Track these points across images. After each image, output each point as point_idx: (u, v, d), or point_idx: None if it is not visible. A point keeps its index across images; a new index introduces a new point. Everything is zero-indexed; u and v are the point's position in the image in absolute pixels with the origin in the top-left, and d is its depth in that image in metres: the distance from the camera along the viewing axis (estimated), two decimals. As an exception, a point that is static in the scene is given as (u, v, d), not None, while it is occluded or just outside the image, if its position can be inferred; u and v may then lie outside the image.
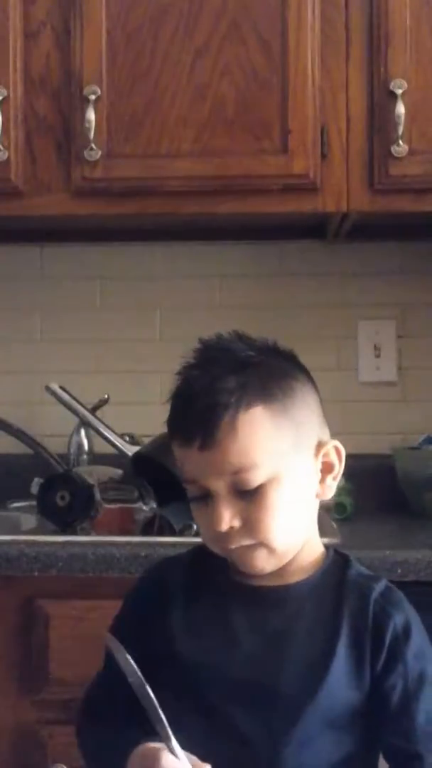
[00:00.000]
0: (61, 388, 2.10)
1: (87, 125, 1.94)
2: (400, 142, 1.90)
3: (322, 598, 1.15)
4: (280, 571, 1.16)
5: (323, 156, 1.94)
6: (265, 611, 1.15)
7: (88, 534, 1.86)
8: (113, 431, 2.09)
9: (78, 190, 1.98)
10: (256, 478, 1.09)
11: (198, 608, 1.18)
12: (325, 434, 1.19)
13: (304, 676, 1.11)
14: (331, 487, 1.18)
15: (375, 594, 1.14)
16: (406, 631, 1.13)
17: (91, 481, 1.94)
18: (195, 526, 1.81)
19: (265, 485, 1.10)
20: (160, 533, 1.81)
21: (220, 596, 1.17)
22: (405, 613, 1.15)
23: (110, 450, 2.09)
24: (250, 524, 1.10)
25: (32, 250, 2.38)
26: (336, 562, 1.19)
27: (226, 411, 1.08)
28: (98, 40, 1.97)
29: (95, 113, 1.94)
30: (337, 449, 1.18)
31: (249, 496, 1.10)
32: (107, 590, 1.62)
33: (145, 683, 1.04)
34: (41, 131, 2.00)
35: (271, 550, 1.12)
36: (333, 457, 1.17)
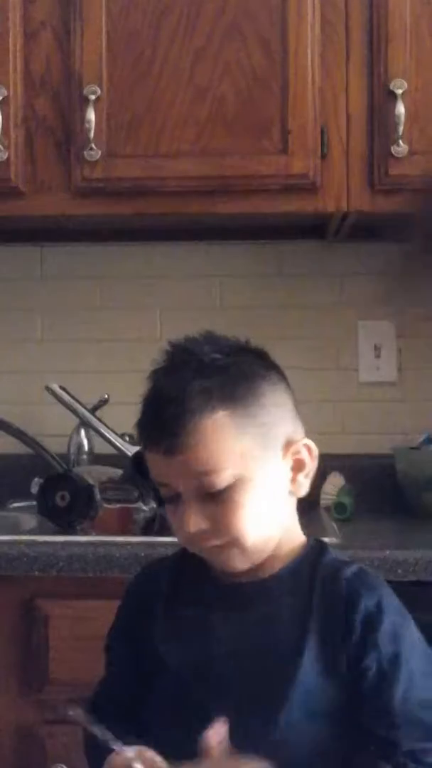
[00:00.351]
0: (61, 388, 2.10)
1: (87, 125, 1.94)
2: (400, 142, 1.91)
3: (296, 587, 1.15)
4: (259, 566, 1.16)
5: (323, 156, 1.94)
6: (242, 606, 1.15)
7: (88, 534, 1.86)
8: (113, 431, 2.09)
9: (78, 190, 1.98)
10: (221, 481, 1.10)
11: (180, 610, 1.18)
12: (297, 432, 1.19)
13: (279, 667, 1.11)
14: (303, 485, 1.18)
15: (346, 576, 1.14)
16: (378, 612, 1.12)
17: (91, 481, 1.94)
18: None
19: (232, 487, 1.10)
20: (160, 533, 1.81)
21: (200, 596, 1.18)
22: (377, 594, 1.13)
23: (110, 450, 2.09)
24: (219, 525, 1.11)
25: (32, 250, 2.38)
26: (313, 550, 1.19)
27: (190, 416, 1.09)
28: (98, 40, 1.97)
29: (95, 113, 1.94)
30: (308, 447, 1.18)
31: (216, 498, 1.10)
32: (107, 590, 1.61)
33: (115, 741, 1.06)
34: (41, 131, 2.00)
35: (242, 549, 1.12)
36: (304, 455, 1.17)
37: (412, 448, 2.18)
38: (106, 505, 1.92)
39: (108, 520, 1.91)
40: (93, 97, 1.94)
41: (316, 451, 1.18)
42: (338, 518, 2.01)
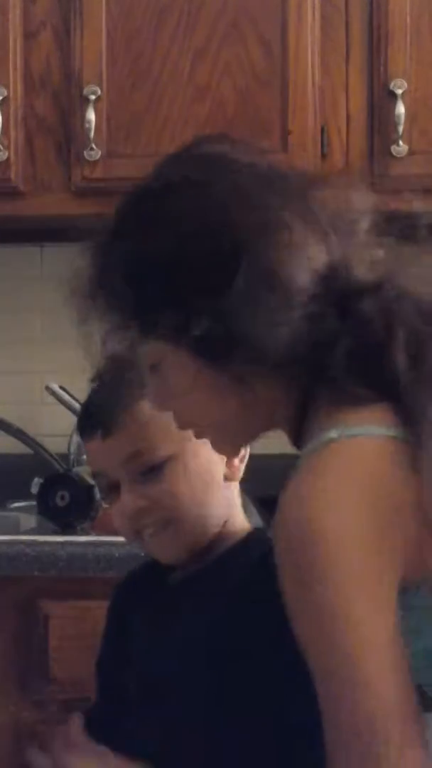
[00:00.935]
0: (61, 388, 2.10)
1: (87, 125, 1.94)
2: (400, 142, 1.91)
3: (227, 572, 1.16)
4: (199, 558, 1.16)
5: (323, 156, 1.94)
6: (177, 601, 1.17)
7: (88, 534, 1.86)
8: (113, 431, 2.09)
9: (78, 190, 1.98)
10: (152, 459, 1.12)
11: (138, 618, 1.21)
12: None
13: (197, 669, 1.11)
14: (238, 469, 1.19)
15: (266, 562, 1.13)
16: None
17: (91, 481, 1.94)
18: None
19: (165, 465, 1.13)
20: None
21: (153, 598, 1.20)
22: None
23: (110, 450, 2.09)
24: (157, 502, 1.13)
25: (32, 250, 2.38)
26: (251, 536, 1.19)
27: (125, 399, 1.13)
28: (98, 40, 1.97)
29: (95, 113, 1.94)
30: None
31: (153, 478, 1.13)
32: (107, 590, 1.61)
33: None
34: (41, 131, 2.00)
35: (181, 528, 1.13)
36: None
37: (412, 448, 2.18)
38: (105, 505, 1.92)
39: (108, 520, 1.91)
40: (93, 97, 1.95)
41: None
42: (338, 518, 2.01)
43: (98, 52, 1.97)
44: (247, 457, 1.20)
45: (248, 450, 1.20)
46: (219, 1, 1.96)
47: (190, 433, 1.11)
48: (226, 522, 1.18)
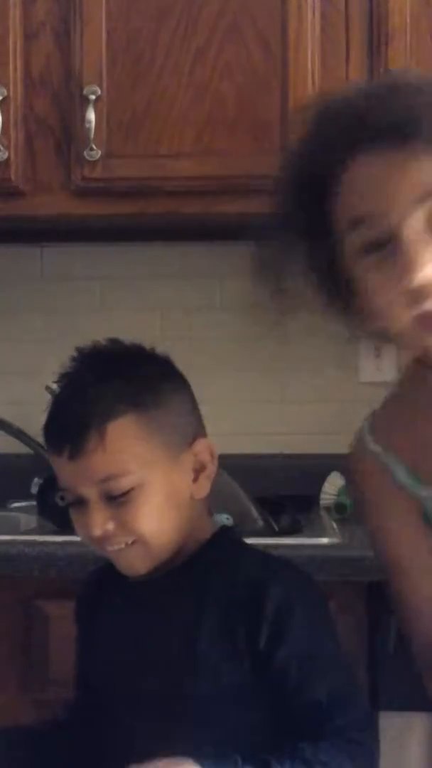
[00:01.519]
0: (61, 388, 2.10)
1: (87, 125, 1.94)
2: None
3: (193, 574, 1.17)
4: (163, 563, 1.17)
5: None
6: (142, 604, 1.18)
7: (88, 534, 1.86)
8: (113, 431, 2.09)
9: (78, 190, 1.98)
10: (124, 485, 1.13)
11: (99, 620, 1.22)
12: (199, 434, 1.21)
13: (173, 668, 1.12)
14: (204, 486, 1.20)
15: (246, 566, 1.15)
16: (288, 602, 1.12)
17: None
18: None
19: (135, 489, 1.13)
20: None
21: (112, 604, 1.22)
22: (282, 583, 1.13)
23: (110, 450, 2.09)
24: (123, 525, 1.14)
25: (32, 250, 2.38)
26: (215, 538, 1.21)
27: (93, 420, 1.12)
28: (98, 40, 1.97)
29: (95, 113, 1.94)
30: (208, 448, 1.20)
31: (120, 500, 1.13)
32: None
33: None
34: (41, 131, 2.00)
35: (147, 548, 1.15)
36: (205, 457, 1.19)
37: (412, 448, 2.18)
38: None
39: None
40: (93, 97, 1.94)
41: (215, 452, 1.20)
42: (338, 518, 2.01)
43: (98, 52, 1.97)
44: (213, 473, 1.20)
45: (215, 466, 1.20)
46: (219, 1, 1.96)
47: (159, 457, 1.13)
48: (188, 534, 1.18)
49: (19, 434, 2.14)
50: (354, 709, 1.13)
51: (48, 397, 2.09)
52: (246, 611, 1.11)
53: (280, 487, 2.14)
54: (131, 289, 2.36)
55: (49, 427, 1.18)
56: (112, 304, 2.37)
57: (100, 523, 1.13)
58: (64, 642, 1.66)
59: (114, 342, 1.23)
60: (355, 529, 1.93)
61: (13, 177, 1.97)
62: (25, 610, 1.69)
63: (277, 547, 1.73)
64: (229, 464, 2.07)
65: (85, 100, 1.95)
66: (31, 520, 2.03)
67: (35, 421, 2.25)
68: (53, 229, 2.29)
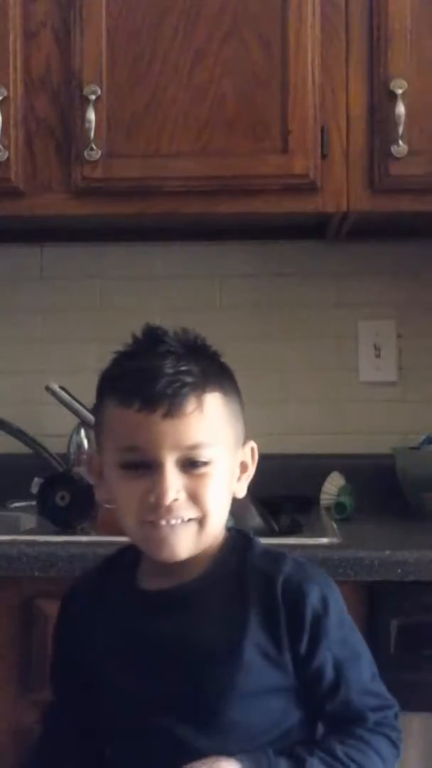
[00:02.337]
0: (61, 388, 2.10)
1: (87, 125, 1.94)
2: (400, 142, 1.90)
3: (224, 587, 1.16)
4: (181, 568, 1.17)
5: (323, 156, 1.94)
6: (168, 614, 1.16)
7: (88, 534, 1.86)
8: (113, 431, 2.08)
9: (78, 190, 1.98)
10: (207, 455, 1.13)
11: (108, 624, 1.20)
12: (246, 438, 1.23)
13: (217, 671, 1.12)
14: (243, 487, 1.21)
15: (283, 576, 1.15)
16: (324, 604, 1.15)
17: (91, 481, 1.93)
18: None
19: (210, 465, 1.13)
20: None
21: (125, 607, 1.20)
22: (318, 586, 1.16)
23: (110, 450, 2.09)
24: (192, 497, 1.13)
25: (32, 250, 2.38)
26: (236, 545, 1.21)
27: (193, 387, 1.12)
28: (98, 40, 1.97)
29: (95, 113, 1.94)
30: (252, 450, 1.22)
31: (196, 472, 1.12)
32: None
33: None
34: (41, 131, 2.00)
35: (202, 529, 1.14)
36: (248, 457, 1.22)
37: (412, 448, 2.18)
38: (106, 505, 1.92)
39: (108, 520, 1.91)
40: (93, 97, 1.94)
41: (257, 454, 1.22)
42: (338, 518, 2.01)
43: (98, 52, 1.97)
44: (251, 476, 1.22)
45: (254, 468, 1.22)
46: (219, 1, 1.96)
47: (230, 442, 1.15)
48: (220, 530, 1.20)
49: (19, 434, 2.14)
50: (384, 705, 1.18)
51: (48, 397, 2.11)
52: (288, 617, 1.13)
53: (280, 488, 2.14)
54: (131, 289, 2.36)
55: (138, 382, 1.13)
56: (112, 304, 2.37)
57: (175, 488, 1.11)
58: (64, 642, 1.66)
59: (172, 328, 1.21)
60: (355, 529, 1.93)
61: (13, 177, 1.97)
62: (25, 610, 1.69)
63: (277, 547, 1.73)
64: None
65: (85, 100, 1.95)
66: (31, 520, 2.03)
67: (35, 421, 2.28)
68: (53, 229, 2.29)
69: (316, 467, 2.19)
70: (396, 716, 1.19)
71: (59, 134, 1.99)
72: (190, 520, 1.13)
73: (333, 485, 2.15)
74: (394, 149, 1.91)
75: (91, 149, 1.94)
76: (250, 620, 1.13)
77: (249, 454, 1.22)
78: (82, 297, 2.37)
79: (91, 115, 1.94)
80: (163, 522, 1.12)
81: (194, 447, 1.12)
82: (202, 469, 1.12)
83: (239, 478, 1.20)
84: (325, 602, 1.15)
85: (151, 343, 1.18)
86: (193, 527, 1.13)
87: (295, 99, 1.94)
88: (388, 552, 1.63)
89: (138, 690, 1.15)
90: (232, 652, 1.12)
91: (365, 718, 1.15)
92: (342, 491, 2.12)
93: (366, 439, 2.27)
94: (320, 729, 1.20)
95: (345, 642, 1.16)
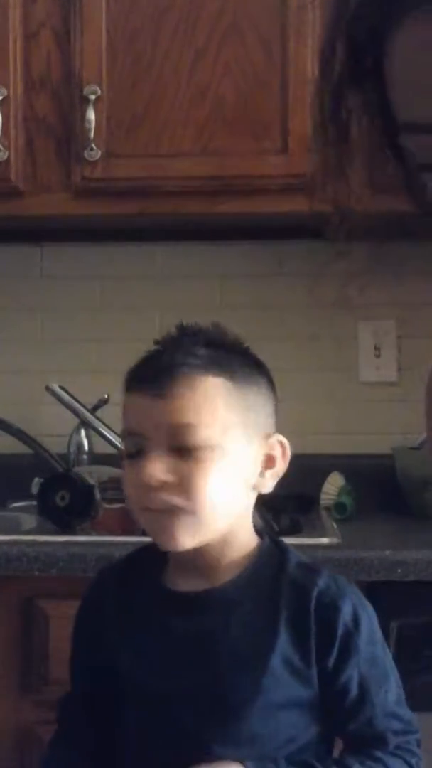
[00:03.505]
0: (61, 388, 2.10)
1: (87, 125, 1.94)
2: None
3: (257, 595, 1.14)
4: (211, 571, 1.15)
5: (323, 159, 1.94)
6: (199, 616, 1.14)
7: (88, 534, 1.86)
8: (113, 431, 2.09)
9: (78, 190, 1.98)
10: (196, 439, 1.09)
11: (133, 620, 1.18)
12: (274, 432, 1.19)
13: (243, 678, 1.11)
14: (268, 483, 1.17)
15: (318, 589, 1.13)
16: (356, 621, 1.13)
17: (91, 481, 1.94)
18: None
19: (205, 450, 1.10)
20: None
21: (153, 605, 1.18)
22: (351, 602, 1.14)
23: (110, 450, 2.09)
24: (183, 483, 1.09)
25: (32, 250, 2.38)
26: (271, 554, 1.18)
27: (186, 369, 1.11)
28: (98, 40, 1.97)
29: (95, 113, 1.94)
30: (282, 444, 1.18)
31: (186, 457, 1.10)
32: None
33: None
34: (41, 131, 2.00)
35: (195, 519, 1.10)
36: (277, 451, 1.17)
37: (412, 448, 2.18)
38: (106, 505, 1.92)
39: (108, 520, 1.91)
40: (93, 97, 1.95)
41: (289, 451, 1.18)
42: (338, 518, 2.01)
43: (98, 52, 1.97)
44: (281, 473, 1.19)
45: (285, 465, 1.18)
46: (219, 1, 1.96)
47: (237, 431, 1.12)
48: (235, 529, 1.16)
49: (19, 434, 2.14)
50: (407, 730, 1.16)
51: (48, 397, 2.11)
52: (318, 631, 1.12)
53: (280, 488, 2.14)
54: (131, 289, 2.36)
55: (137, 370, 1.15)
56: (112, 304, 2.37)
57: (160, 469, 1.08)
58: (64, 642, 1.66)
59: (216, 324, 1.21)
60: (355, 529, 1.93)
61: (13, 177, 1.97)
62: (25, 610, 1.69)
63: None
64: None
65: (85, 100, 1.95)
66: (31, 520, 2.03)
67: (35, 421, 2.28)
68: (53, 229, 2.29)
69: (316, 467, 2.19)
70: (418, 743, 1.17)
71: (59, 134, 1.99)
72: (181, 509, 1.09)
73: (333, 485, 2.15)
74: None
75: (91, 149, 1.94)
76: (280, 631, 1.12)
77: (277, 447, 1.17)
78: (82, 297, 2.37)
79: (91, 115, 1.94)
80: (153, 507, 1.10)
81: (181, 427, 1.09)
82: (194, 455, 1.09)
83: (262, 473, 1.16)
84: (357, 619, 1.13)
85: (175, 336, 1.18)
86: (186, 518, 1.10)
87: (295, 99, 1.94)
88: (388, 552, 1.64)
89: (158, 688, 1.13)
90: (260, 661, 1.11)
91: (386, 741, 1.13)
92: (342, 491, 2.12)
93: (366, 439, 2.27)
94: (338, 747, 1.18)
95: (374, 661, 1.14)
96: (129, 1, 1.98)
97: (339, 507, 2.04)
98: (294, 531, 1.86)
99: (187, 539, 1.11)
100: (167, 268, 2.36)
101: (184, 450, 1.10)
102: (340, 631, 1.12)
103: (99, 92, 1.95)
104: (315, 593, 1.12)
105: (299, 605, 1.13)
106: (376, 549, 1.65)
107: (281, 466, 1.18)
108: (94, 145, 1.94)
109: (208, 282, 2.36)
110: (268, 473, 1.17)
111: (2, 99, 1.96)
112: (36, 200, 2.00)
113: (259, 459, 1.16)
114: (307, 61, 1.94)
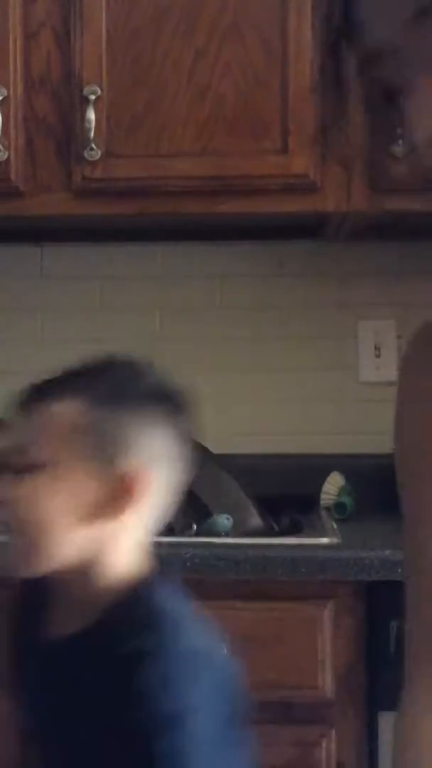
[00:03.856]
0: (61, 388, 2.10)
1: (87, 125, 1.94)
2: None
3: (98, 642, 1.07)
4: (74, 613, 1.09)
5: (323, 156, 1.94)
6: (53, 665, 1.11)
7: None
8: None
9: (78, 190, 1.98)
10: (29, 459, 1.09)
11: (22, 660, 1.17)
12: (153, 467, 1.10)
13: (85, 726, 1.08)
14: (125, 516, 1.08)
15: (146, 665, 1.01)
16: (177, 715, 1.01)
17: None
18: (194, 526, 1.81)
19: (41, 473, 1.08)
20: (160, 534, 1.81)
21: (32, 647, 1.15)
22: (199, 687, 1.02)
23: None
24: (16, 501, 1.08)
25: (32, 250, 2.38)
26: (127, 601, 1.08)
27: (39, 395, 1.15)
28: (98, 40, 1.97)
29: (95, 113, 1.94)
30: (146, 481, 1.08)
31: (24, 477, 1.08)
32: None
33: None
34: (41, 131, 2.00)
35: (31, 541, 1.08)
36: (135, 486, 1.08)
37: (412, 448, 2.18)
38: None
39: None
40: (93, 97, 1.95)
41: (149, 485, 1.09)
42: (338, 518, 2.01)
43: (98, 52, 1.97)
44: (144, 508, 1.10)
45: (143, 502, 1.09)
46: (219, 1, 1.96)
47: (87, 454, 1.08)
48: (99, 565, 1.09)
49: (19, 434, 2.14)
50: None
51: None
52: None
53: (280, 487, 2.14)
54: (131, 289, 2.36)
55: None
56: (112, 304, 2.37)
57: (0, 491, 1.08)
58: None
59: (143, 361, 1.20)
60: (355, 529, 1.93)
61: (13, 177, 1.97)
62: (25, 610, 1.69)
63: (277, 547, 1.73)
64: (229, 464, 2.07)
65: (85, 100, 1.95)
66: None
67: (35, 421, 2.27)
68: (53, 229, 2.29)
69: (316, 467, 2.19)
70: None
71: (59, 134, 1.99)
72: (20, 533, 1.08)
73: (333, 485, 2.15)
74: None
75: (91, 149, 1.94)
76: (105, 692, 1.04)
77: (137, 480, 1.07)
78: (82, 297, 2.37)
79: (91, 115, 1.94)
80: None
81: (20, 448, 1.09)
82: (27, 477, 1.07)
83: (119, 501, 1.07)
84: (193, 707, 1.02)
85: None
86: (22, 540, 1.08)
87: (295, 99, 1.94)
88: (388, 552, 1.64)
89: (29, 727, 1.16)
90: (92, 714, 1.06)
91: None
92: (342, 491, 2.12)
93: (366, 439, 2.26)
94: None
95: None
96: (129, 1, 1.98)
97: (339, 507, 2.04)
98: (294, 531, 1.86)
99: (26, 563, 1.09)
100: (167, 268, 2.36)
101: (20, 470, 1.08)
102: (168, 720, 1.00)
103: (99, 92, 1.95)
104: (144, 670, 1.02)
105: (145, 684, 1.02)
106: (376, 549, 1.65)
107: (142, 502, 1.08)
108: (94, 145, 1.94)
109: (208, 282, 2.35)
110: (127, 505, 1.08)
111: (2, 99, 1.96)
112: (36, 200, 2.00)
113: (113, 485, 1.08)
114: (307, 61, 1.94)
